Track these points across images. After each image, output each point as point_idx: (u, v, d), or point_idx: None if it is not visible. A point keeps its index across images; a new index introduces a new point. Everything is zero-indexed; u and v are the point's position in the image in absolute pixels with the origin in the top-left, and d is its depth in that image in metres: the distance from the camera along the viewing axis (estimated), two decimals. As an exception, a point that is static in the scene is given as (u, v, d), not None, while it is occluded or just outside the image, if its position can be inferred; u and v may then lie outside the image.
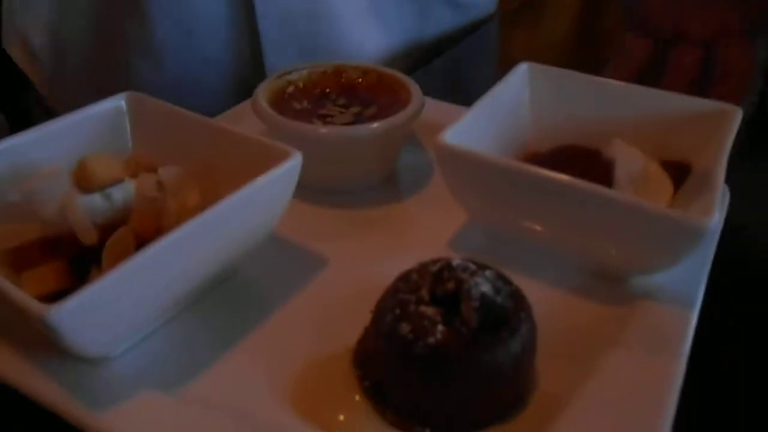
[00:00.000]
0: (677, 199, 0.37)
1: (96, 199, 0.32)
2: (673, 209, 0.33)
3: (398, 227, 0.41)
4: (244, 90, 0.55)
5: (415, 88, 0.45)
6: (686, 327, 0.32)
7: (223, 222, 0.30)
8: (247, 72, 0.62)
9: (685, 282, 0.34)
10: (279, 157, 0.33)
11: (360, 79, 0.47)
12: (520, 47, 0.81)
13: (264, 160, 0.34)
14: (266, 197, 0.33)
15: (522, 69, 0.44)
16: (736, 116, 0.38)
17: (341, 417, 0.28)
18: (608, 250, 0.34)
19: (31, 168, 0.35)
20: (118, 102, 0.39)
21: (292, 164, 0.33)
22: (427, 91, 0.45)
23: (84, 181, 0.32)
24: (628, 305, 0.34)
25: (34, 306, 0.24)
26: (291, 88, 0.46)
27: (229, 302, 0.34)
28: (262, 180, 0.31)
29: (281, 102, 0.44)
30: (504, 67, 0.45)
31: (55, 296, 0.29)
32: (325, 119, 0.43)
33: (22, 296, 0.25)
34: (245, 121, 0.46)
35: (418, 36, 0.70)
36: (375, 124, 0.40)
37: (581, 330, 0.33)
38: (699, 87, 0.46)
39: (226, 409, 0.28)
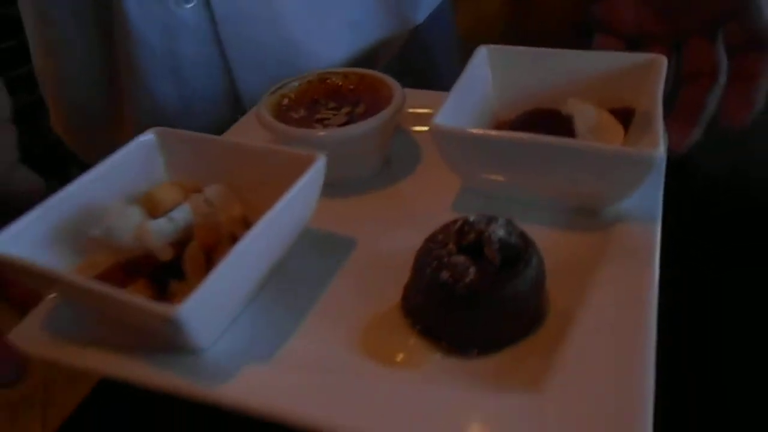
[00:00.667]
0: (628, 139, 0.46)
1: (163, 223, 0.38)
2: (627, 147, 0.41)
3: (405, 203, 0.48)
4: (226, 123, 0.60)
5: (393, 82, 0.51)
6: (654, 239, 0.39)
7: (280, 221, 0.37)
8: (227, 106, 0.68)
9: (646, 205, 0.42)
10: (305, 162, 0.40)
11: (342, 83, 0.54)
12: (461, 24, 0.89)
13: (291, 167, 0.40)
14: (305, 196, 0.39)
15: (482, 52, 0.51)
16: (662, 64, 0.47)
17: (400, 357, 0.36)
18: (581, 189, 0.42)
19: (91, 206, 0.40)
20: (148, 137, 0.44)
21: (320, 165, 0.40)
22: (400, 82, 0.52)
23: (152, 209, 0.38)
24: (605, 230, 0.42)
25: (161, 308, 0.30)
26: (285, 101, 0.52)
27: (288, 284, 0.40)
28: (301, 182, 0.38)
29: (281, 114, 0.50)
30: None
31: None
32: (323, 123, 0.49)
33: (147, 302, 0.31)
34: (250, 133, 0.53)
35: (383, 36, 0.77)
36: (369, 122, 0.47)
37: (573, 256, 0.40)
38: (671, 85, 0.49)
39: (310, 365, 0.35)
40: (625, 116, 0.48)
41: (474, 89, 0.49)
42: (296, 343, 0.37)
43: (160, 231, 0.38)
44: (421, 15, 0.81)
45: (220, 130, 0.55)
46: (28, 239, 0.37)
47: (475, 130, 0.42)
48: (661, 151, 0.37)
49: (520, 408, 0.32)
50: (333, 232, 0.45)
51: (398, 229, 0.45)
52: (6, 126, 0.46)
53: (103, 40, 0.65)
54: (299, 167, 0.40)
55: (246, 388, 0.33)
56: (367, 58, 0.74)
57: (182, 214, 0.39)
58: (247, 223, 0.42)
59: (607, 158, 0.39)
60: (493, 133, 0.42)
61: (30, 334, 0.38)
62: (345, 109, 0.51)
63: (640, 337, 0.33)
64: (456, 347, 0.35)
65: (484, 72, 0.51)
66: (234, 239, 0.39)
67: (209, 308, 0.32)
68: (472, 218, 0.36)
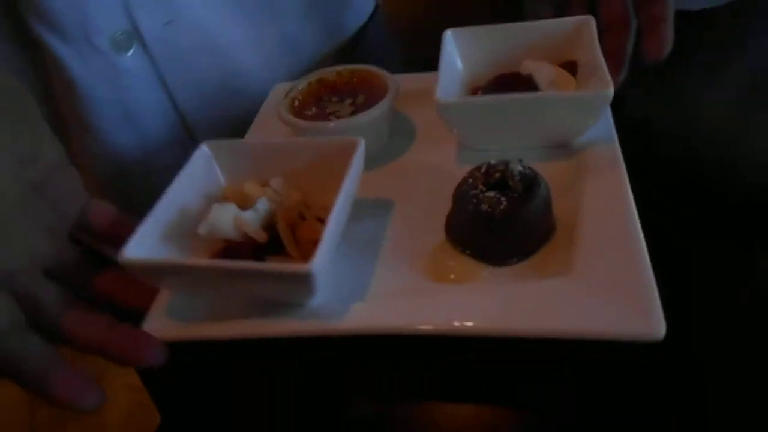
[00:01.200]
0: (579, 85, 0.59)
1: (252, 213, 0.47)
2: (586, 90, 0.53)
3: (418, 166, 0.58)
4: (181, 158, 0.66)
5: (380, 71, 0.62)
6: (617, 153, 0.52)
7: (349, 191, 0.47)
8: (181, 145, 0.69)
9: (603, 131, 0.55)
10: (347, 146, 0.50)
11: (336, 80, 0.63)
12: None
13: (335, 152, 0.51)
14: (358, 171, 0.49)
15: (448, 35, 0.63)
16: (592, 22, 0.60)
17: (461, 275, 0.47)
18: (557, 129, 0.55)
19: (183, 211, 0.49)
20: (203, 151, 0.53)
21: (362, 148, 0.50)
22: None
23: (245, 201, 0.47)
24: (580, 155, 0.54)
25: (297, 267, 0.40)
26: (296, 102, 0.61)
27: (355, 240, 0.50)
28: (355, 163, 0.48)
29: (297, 113, 0.60)
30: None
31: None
32: (335, 115, 0.59)
33: (285, 265, 0.41)
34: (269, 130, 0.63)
35: (318, 48, 0.79)
36: (372, 111, 0.57)
37: (562, 179, 0.53)
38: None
39: (395, 293, 0.46)
40: (571, 68, 0.61)
41: (449, 66, 0.61)
42: (377, 280, 0.47)
43: (252, 220, 0.47)
44: (352, 26, 0.83)
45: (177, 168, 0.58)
46: (145, 245, 0.45)
47: (474, 98, 0.53)
48: (612, 88, 0.50)
49: (559, 290, 0.44)
50: (371, 197, 0.55)
51: (422, 185, 0.56)
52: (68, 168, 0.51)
53: (44, 99, 0.65)
54: (341, 151, 0.50)
55: (357, 317, 0.44)
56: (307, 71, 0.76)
57: (263, 205, 0.48)
58: (306, 205, 0.52)
59: (576, 100, 0.52)
60: (489, 97, 0.53)
61: (159, 325, 0.46)
62: (348, 101, 0.61)
63: (629, 223, 0.46)
64: (500, 260, 0.47)
65: (452, 51, 0.63)
66: (302, 217, 0.50)
67: (325, 263, 0.42)
68: (492, 161, 0.48)
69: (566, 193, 0.51)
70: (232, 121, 0.71)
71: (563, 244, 0.47)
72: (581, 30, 0.60)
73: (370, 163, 0.59)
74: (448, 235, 0.50)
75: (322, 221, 0.50)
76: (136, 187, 0.68)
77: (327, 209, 0.50)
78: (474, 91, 0.63)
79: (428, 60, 0.80)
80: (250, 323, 0.45)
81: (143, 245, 0.45)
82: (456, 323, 0.42)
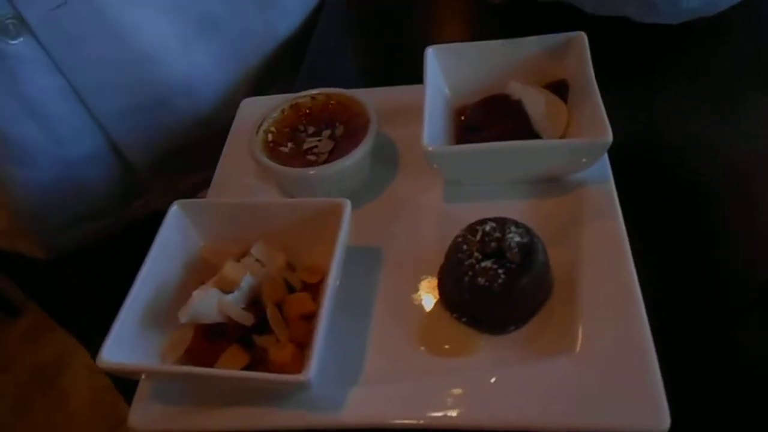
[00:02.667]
0: (570, 110, 0.55)
1: (236, 295, 0.45)
2: (585, 138, 0.50)
3: (402, 204, 0.55)
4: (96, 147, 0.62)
5: (361, 98, 0.57)
6: (612, 195, 0.50)
7: (336, 273, 0.44)
8: (90, 135, 0.66)
9: (600, 167, 0.52)
10: (334, 208, 0.47)
11: (312, 106, 0.59)
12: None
13: (321, 213, 0.48)
14: (345, 241, 0.46)
15: (429, 52, 0.58)
16: (583, 40, 0.56)
17: (457, 347, 0.46)
18: (551, 171, 0.52)
19: (160, 288, 0.46)
20: (175, 212, 0.49)
21: (349, 210, 0.47)
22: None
23: (227, 286, 0.44)
24: (572, 193, 0.52)
25: (294, 378, 0.38)
26: (270, 137, 0.57)
27: (343, 310, 0.48)
28: (344, 229, 0.45)
29: (271, 151, 0.55)
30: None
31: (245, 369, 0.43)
32: (312, 152, 0.55)
33: (282, 376, 0.39)
34: (236, 166, 0.59)
35: (263, 54, 0.76)
36: (353, 154, 0.53)
37: (555, 219, 0.51)
38: None
39: (391, 374, 0.44)
40: (561, 89, 0.57)
41: (433, 88, 0.56)
42: (371, 359, 0.45)
43: (236, 302, 0.44)
44: (288, 22, 0.78)
45: (92, 159, 0.57)
46: (125, 338, 0.43)
47: (464, 147, 0.50)
48: (611, 136, 0.47)
49: (559, 373, 0.42)
50: (358, 245, 0.51)
51: (409, 229, 0.53)
52: None
53: None
54: (327, 212, 0.47)
55: (352, 408, 0.43)
56: (236, 63, 0.73)
57: (247, 282, 0.45)
58: (291, 267, 0.49)
59: (571, 149, 0.49)
60: (482, 146, 0.50)
61: (143, 415, 0.44)
62: (326, 133, 0.57)
63: (628, 287, 0.44)
64: (497, 329, 0.45)
65: (435, 69, 0.58)
66: (288, 285, 0.47)
67: (320, 361, 0.40)
68: (487, 227, 0.45)
69: (562, 240, 0.49)
70: (147, 110, 0.67)
71: (562, 305, 0.46)
72: (571, 47, 0.56)
73: (353, 198, 0.56)
74: (441, 298, 0.48)
75: (308, 286, 0.48)
76: (52, 182, 0.65)
77: (313, 271, 0.48)
78: (460, 112, 0.59)
79: (389, 50, 0.76)
80: (238, 414, 0.43)
81: (122, 339, 0.42)
82: (451, 415, 0.41)
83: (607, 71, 0.54)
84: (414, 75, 0.57)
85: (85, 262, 0.73)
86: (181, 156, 0.72)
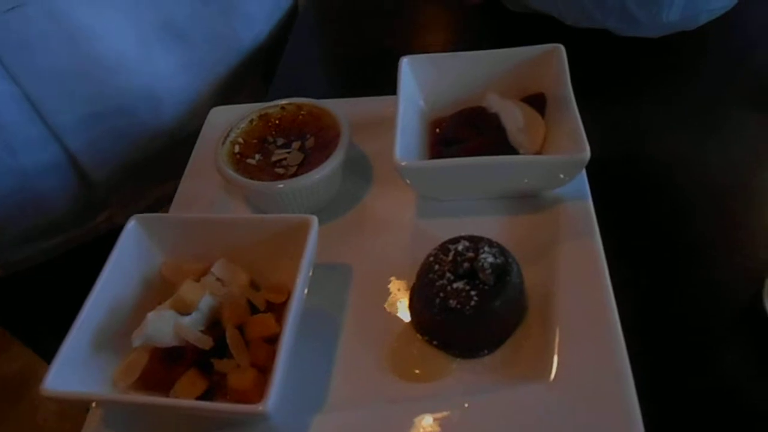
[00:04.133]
0: (548, 123, 0.54)
1: (194, 317, 0.42)
2: (560, 154, 0.48)
3: (374, 219, 0.53)
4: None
5: (332, 109, 0.55)
6: (590, 213, 0.49)
7: (300, 294, 0.42)
8: (43, 144, 0.63)
9: (577, 183, 0.51)
10: (300, 225, 0.45)
11: (281, 116, 0.56)
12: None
13: (286, 230, 0.45)
14: (311, 258, 0.44)
15: (404, 62, 0.56)
16: (561, 52, 0.54)
17: (428, 371, 0.43)
18: (527, 187, 0.50)
19: (114, 307, 0.44)
20: (132, 228, 0.46)
21: (316, 228, 0.44)
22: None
23: (184, 308, 0.42)
24: (549, 210, 0.51)
25: (251, 408, 0.36)
26: (237, 148, 0.54)
27: (309, 332, 0.46)
28: (310, 248, 0.43)
29: (237, 164, 0.53)
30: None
31: (203, 396, 0.41)
32: (281, 164, 0.53)
33: (239, 406, 0.36)
34: (202, 178, 0.57)
35: (229, 62, 0.73)
36: (323, 167, 0.50)
37: (530, 236, 0.49)
38: None
39: (358, 401, 0.42)
40: (539, 101, 0.55)
41: (407, 100, 0.55)
42: (337, 384, 0.43)
43: (194, 324, 0.42)
44: (254, 30, 0.75)
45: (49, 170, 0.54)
46: (72, 363, 0.40)
47: (438, 162, 0.48)
48: (588, 153, 0.46)
49: (529, 392, 0.41)
50: (328, 262, 0.49)
51: (380, 245, 0.51)
52: None
53: None
54: (294, 229, 0.45)
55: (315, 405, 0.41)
56: (200, 70, 0.70)
57: (206, 303, 0.43)
58: (255, 286, 0.47)
59: (548, 165, 0.47)
60: (455, 161, 0.48)
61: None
62: (296, 144, 0.54)
63: (605, 312, 0.43)
64: (469, 353, 0.43)
65: (410, 80, 0.56)
66: (251, 304, 0.45)
67: (280, 390, 0.38)
68: (460, 247, 0.43)
69: (538, 259, 0.48)
70: (107, 120, 0.64)
71: (536, 328, 0.44)
72: (549, 59, 0.55)
73: (323, 214, 0.53)
74: (412, 320, 0.46)
75: (272, 306, 0.45)
76: (5, 193, 0.62)
77: (278, 290, 0.46)
78: (435, 124, 0.57)
79: (364, 58, 0.74)
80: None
81: (71, 364, 0.40)
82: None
83: (587, 84, 0.53)
84: (390, 85, 0.56)
85: (45, 279, 0.70)
86: (145, 168, 0.69)
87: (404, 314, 0.46)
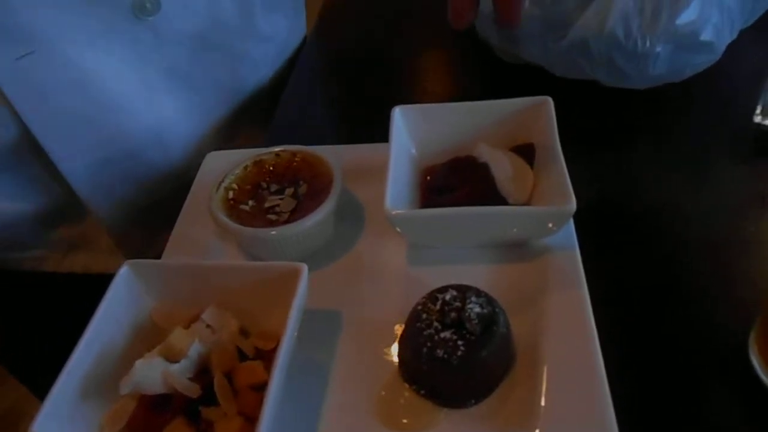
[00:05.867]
0: (537, 174, 0.55)
1: (183, 364, 0.42)
2: (549, 206, 0.49)
3: (364, 266, 0.54)
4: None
5: (326, 156, 0.56)
6: (577, 262, 0.49)
7: (294, 330, 0.42)
8: (54, 190, 0.65)
9: (565, 238, 0.51)
10: (290, 273, 0.45)
11: (275, 163, 0.57)
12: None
13: (277, 277, 0.46)
14: (300, 306, 0.45)
15: (396, 112, 0.58)
16: (550, 104, 0.56)
17: (414, 420, 0.43)
18: (515, 236, 0.51)
19: (104, 354, 0.44)
20: (124, 273, 0.47)
21: (305, 275, 0.45)
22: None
23: (173, 355, 0.42)
24: (536, 259, 0.51)
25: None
26: (231, 194, 0.55)
27: (297, 378, 0.46)
28: (300, 296, 0.43)
29: (231, 209, 0.54)
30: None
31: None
32: (274, 210, 0.54)
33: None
34: (196, 222, 0.58)
35: (233, 106, 0.74)
36: (315, 214, 0.51)
37: (517, 285, 0.50)
38: None
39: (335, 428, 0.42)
40: (528, 151, 0.57)
41: (399, 149, 0.56)
42: (327, 429, 0.43)
43: (183, 371, 0.42)
44: (258, 75, 0.77)
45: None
46: (62, 408, 0.40)
47: (427, 212, 0.49)
48: (574, 205, 0.47)
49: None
50: (317, 308, 0.50)
51: (370, 293, 0.52)
52: None
53: None
54: (285, 277, 0.45)
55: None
56: (206, 115, 0.71)
57: (195, 350, 0.43)
58: (244, 333, 0.47)
59: (535, 216, 0.48)
60: (445, 211, 0.49)
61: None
62: (289, 191, 0.55)
63: (592, 363, 0.43)
64: (456, 403, 0.43)
65: (401, 129, 0.58)
66: (240, 351, 0.45)
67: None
68: (447, 296, 0.44)
69: (526, 308, 0.48)
70: (116, 164, 0.65)
71: (524, 378, 0.44)
72: (538, 111, 0.56)
73: (314, 259, 0.54)
74: (401, 368, 0.46)
75: (261, 353, 0.46)
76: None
77: (268, 337, 0.46)
78: (426, 172, 0.58)
79: (361, 104, 0.76)
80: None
81: (59, 409, 0.40)
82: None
83: (575, 132, 0.54)
84: (384, 131, 0.57)
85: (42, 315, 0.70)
86: (154, 212, 0.69)
87: (393, 362, 0.47)
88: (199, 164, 0.64)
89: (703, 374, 0.46)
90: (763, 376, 0.44)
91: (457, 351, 0.42)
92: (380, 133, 0.58)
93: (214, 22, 0.66)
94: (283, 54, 0.81)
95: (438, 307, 0.44)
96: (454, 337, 0.43)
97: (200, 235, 0.57)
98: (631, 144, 0.66)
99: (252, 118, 0.77)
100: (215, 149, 0.66)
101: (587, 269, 0.49)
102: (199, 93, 0.68)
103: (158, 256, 0.55)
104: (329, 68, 0.86)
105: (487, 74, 0.77)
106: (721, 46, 0.64)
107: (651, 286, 0.52)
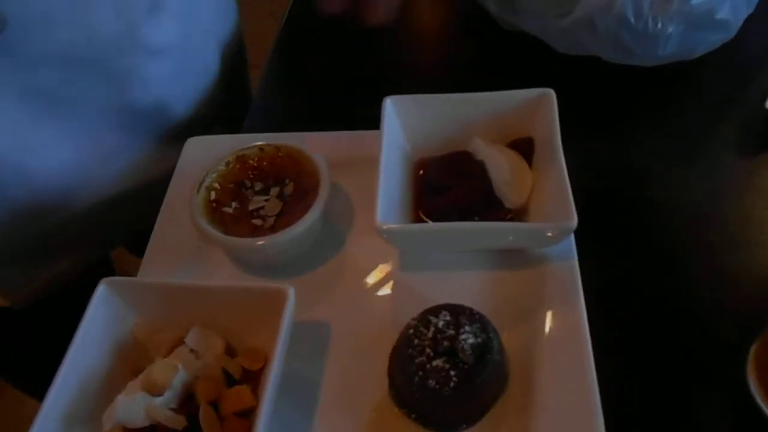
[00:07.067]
0: (534, 171, 0.52)
1: (167, 396, 0.41)
2: (548, 223, 0.46)
3: (353, 273, 0.52)
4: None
5: (312, 155, 0.53)
6: (575, 272, 0.48)
7: (281, 359, 0.41)
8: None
9: (564, 248, 0.49)
10: (276, 295, 0.43)
11: (258, 158, 0.54)
12: None
13: (262, 298, 0.44)
14: (288, 330, 0.43)
15: (388, 103, 0.54)
16: (552, 98, 0.52)
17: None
18: (512, 247, 0.49)
19: (85, 381, 0.43)
20: (102, 293, 0.45)
21: (293, 299, 0.43)
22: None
23: (155, 389, 0.40)
24: (533, 268, 0.49)
25: None
26: (213, 194, 0.52)
27: (285, 399, 0.45)
28: (287, 320, 0.42)
29: (213, 213, 0.51)
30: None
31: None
32: (259, 214, 0.51)
33: None
34: (177, 221, 0.55)
35: (124, 128, 0.62)
36: (303, 221, 0.49)
37: (511, 296, 0.48)
38: None
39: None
40: (526, 146, 0.54)
41: (390, 145, 0.52)
42: None
43: (167, 403, 0.41)
44: (149, 95, 0.62)
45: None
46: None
47: (421, 227, 0.47)
48: (575, 221, 0.44)
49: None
50: (305, 321, 0.47)
51: (359, 305, 0.50)
52: None
53: None
54: (271, 298, 0.44)
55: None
56: (86, 145, 0.60)
57: (179, 379, 0.42)
58: (231, 351, 0.46)
59: (534, 232, 0.46)
60: (437, 226, 0.46)
61: None
62: (274, 191, 0.52)
63: (586, 387, 0.42)
64: (447, 429, 0.43)
65: (393, 121, 0.54)
66: (226, 374, 0.44)
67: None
68: (440, 323, 0.42)
69: (520, 323, 0.47)
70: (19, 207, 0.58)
71: (516, 401, 0.43)
72: (540, 104, 0.53)
73: (300, 263, 0.52)
74: (391, 389, 0.45)
75: (248, 373, 0.44)
76: None
77: (255, 356, 0.45)
78: (419, 166, 0.55)
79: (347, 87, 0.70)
80: None
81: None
82: None
83: (573, 116, 0.51)
84: (372, 117, 0.53)
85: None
86: (28, 247, 0.62)
87: (383, 381, 0.45)
88: (80, 194, 0.59)
89: (700, 395, 0.46)
90: (757, 397, 0.44)
91: (450, 381, 0.41)
92: (370, 108, 0.54)
93: (88, 35, 0.54)
94: (189, 63, 0.66)
95: (431, 334, 0.42)
96: (447, 366, 0.41)
97: (182, 235, 0.54)
98: (632, 129, 0.62)
99: (168, 139, 0.66)
100: (102, 178, 0.60)
101: (583, 266, 0.47)
102: (75, 118, 0.57)
103: (37, 292, 0.52)
104: (317, 35, 0.80)
105: (484, 43, 0.72)
106: (737, 23, 0.60)
107: (649, 286, 0.51)
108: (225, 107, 0.72)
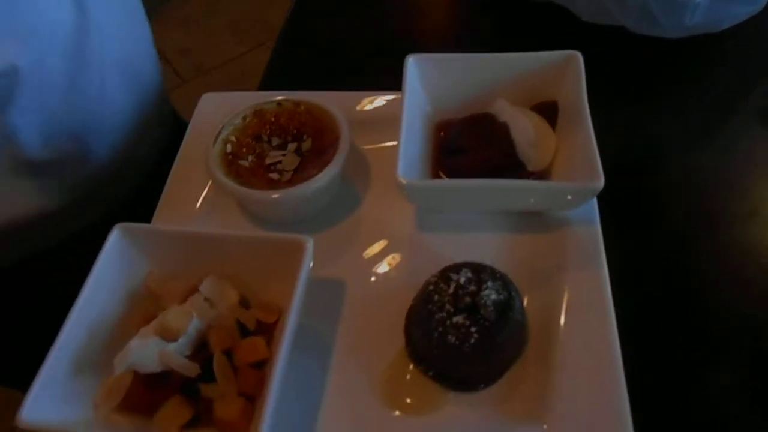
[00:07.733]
0: (559, 134, 0.51)
1: (181, 342, 0.40)
2: (574, 183, 0.45)
3: (371, 229, 0.51)
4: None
5: (331, 109, 0.52)
6: (598, 239, 0.47)
7: (298, 310, 0.40)
8: None
9: (586, 211, 0.48)
10: (294, 245, 0.42)
11: (277, 113, 0.53)
12: None
13: (280, 249, 0.43)
14: (305, 281, 0.42)
15: (410, 61, 0.52)
16: (579, 59, 0.51)
17: (422, 402, 0.42)
18: (535, 208, 0.48)
19: (95, 326, 0.42)
20: (115, 238, 0.44)
21: (311, 249, 0.42)
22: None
23: (169, 335, 0.40)
24: (556, 231, 0.48)
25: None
26: (229, 147, 0.51)
27: (302, 354, 0.44)
28: (304, 271, 0.41)
29: (230, 166, 0.50)
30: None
31: (189, 423, 0.39)
32: (275, 168, 0.50)
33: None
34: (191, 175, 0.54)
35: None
36: (320, 177, 0.48)
37: (533, 258, 0.47)
38: None
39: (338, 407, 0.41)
40: (550, 110, 0.52)
41: (412, 104, 0.51)
42: (329, 410, 0.42)
43: (181, 350, 0.40)
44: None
45: None
46: (52, 386, 0.38)
47: (443, 183, 0.46)
48: (602, 181, 0.43)
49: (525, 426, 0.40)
50: (321, 276, 0.47)
51: (377, 260, 0.49)
52: None
53: None
54: (288, 249, 0.43)
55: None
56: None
57: (194, 326, 0.41)
58: (245, 303, 0.45)
59: (559, 191, 0.45)
60: (459, 182, 0.45)
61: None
62: (291, 146, 0.51)
63: (608, 350, 0.41)
64: (466, 387, 0.42)
65: (415, 81, 0.53)
66: (240, 324, 0.43)
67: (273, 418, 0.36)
68: (462, 279, 0.41)
69: (542, 284, 0.46)
70: None
71: (536, 362, 0.43)
72: (566, 67, 0.51)
73: (317, 220, 0.51)
74: (407, 347, 0.44)
75: (262, 325, 0.44)
76: None
77: (269, 309, 0.44)
78: (441, 127, 0.54)
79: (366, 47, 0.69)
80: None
81: (49, 388, 0.38)
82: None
83: (596, 83, 0.50)
84: (392, 75, 0.52)
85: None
86: None
87: (399, 338, 0.45)
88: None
89: (724, 363, 0.45)
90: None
91: (470, 338, 0.40)
92: (390, 73, 0.53)
93: None
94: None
95: (451, 290, 0.41)
96: (467, 322, 0.40)
97: (196, 188, 0.53)
98: (656, 100, 0.61)
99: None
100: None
101: (604, 238, 0.46)
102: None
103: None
104: (330, 7, 0.78)
105: (508, 9, 0.70)
106: (767, -4, 0.59)
107: (670, 258, 0.50)
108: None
